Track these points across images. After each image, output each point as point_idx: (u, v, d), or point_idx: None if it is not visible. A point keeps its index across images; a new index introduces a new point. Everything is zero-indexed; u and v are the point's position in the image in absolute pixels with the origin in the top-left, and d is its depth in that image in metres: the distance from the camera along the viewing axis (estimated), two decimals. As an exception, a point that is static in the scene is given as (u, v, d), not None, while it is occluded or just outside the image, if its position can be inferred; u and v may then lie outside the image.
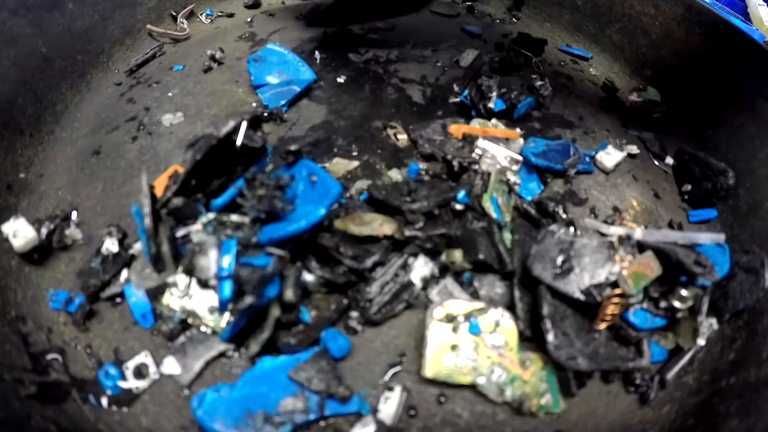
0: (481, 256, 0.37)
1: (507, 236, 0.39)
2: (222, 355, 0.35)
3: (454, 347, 0.34)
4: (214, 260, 0.34)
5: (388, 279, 0.36)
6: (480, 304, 0.35)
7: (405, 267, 0.37)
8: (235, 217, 0.36)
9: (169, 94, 0.52)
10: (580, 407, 0.35)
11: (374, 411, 0.34)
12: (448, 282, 0.37)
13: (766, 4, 0.79)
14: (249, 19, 0.64)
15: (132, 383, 0.34)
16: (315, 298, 0.36)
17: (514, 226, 0.40)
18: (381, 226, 0.37)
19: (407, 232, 0.37)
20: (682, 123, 0.53)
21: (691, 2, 0.55)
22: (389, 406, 0.34)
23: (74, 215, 0.42)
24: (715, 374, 0.37)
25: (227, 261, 0.33)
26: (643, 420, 0.36)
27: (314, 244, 0.36)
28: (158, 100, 0.52)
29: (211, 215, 0.36)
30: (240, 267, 0.33)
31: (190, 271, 0.35)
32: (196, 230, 0.36)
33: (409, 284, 0.37)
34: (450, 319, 0.35)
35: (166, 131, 0.48)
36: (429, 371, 0.34)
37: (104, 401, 0.34)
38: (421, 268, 0.37)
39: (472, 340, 0.34)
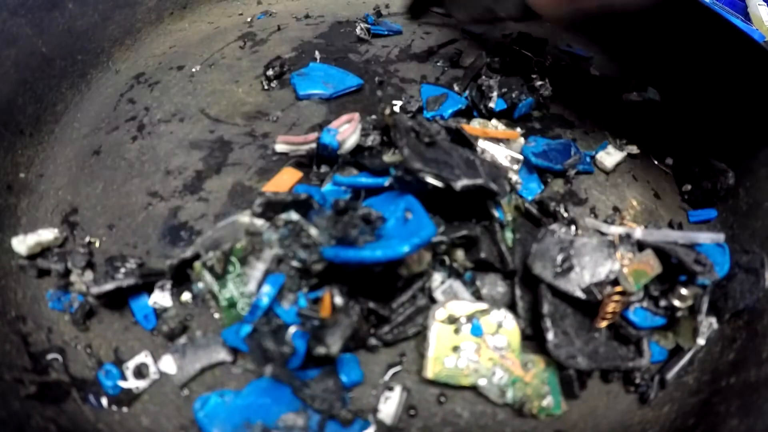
0: (482, 255, 0.37)
1: (508, 235, 0.39)
2: (219, 363, 0.35)
3: (455, 348, 0.34)
4: (257, 279, 0.33)
5: (405, 299, 0.36)
6: (483, 306, 0.35)
7: (423, 289, 0.36)
8: (313, 232, 0.34)
9: (169, 93, 0.52)
10: (580, 407, 0.35)
11: (374, 411, 0.34)
12: (453, 282, 0.37)
13: (766, 4, 0.79)
14: (249, 19, 0.64)
15: (132, 383, 0.34)
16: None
17: (516, 226, 0.40)
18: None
19: (432, 238, 0.35)
20: (682, 123, 0.53)
21: (691, 2, 0.54)
22: (389, 406, 0.34)
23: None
24: (715, 374, 0.37)
25: (266, 292, 0.33)
26: (643, 420, 0.36)
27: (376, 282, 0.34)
28: (158, 100, 0.52)
29: (294, 216, 0.35)
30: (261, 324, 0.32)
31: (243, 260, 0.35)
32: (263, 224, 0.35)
33: (425, 307, 0.36)
34: (452, 320, 0.35)
35: (166, 131, 0.48)
36: (430, 372, 0.33)
37: (104, 401, 0.34)
38: (438, 282, 0.37)
39: (474, 342, 0.34)
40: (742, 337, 0.38)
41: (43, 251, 0.39)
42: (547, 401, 0.34)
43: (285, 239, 0.34)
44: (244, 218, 0.35)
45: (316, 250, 0.33)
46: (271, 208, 0.36)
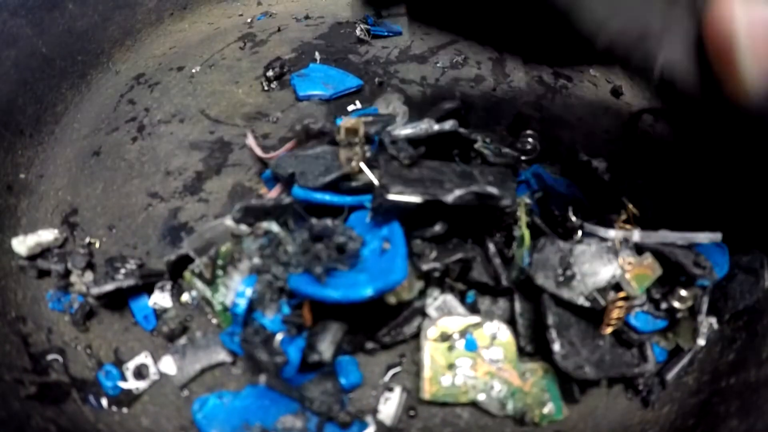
0: (474, 275, 0.36)
1: (520, 251, 0.37)
2: (219, 364, 0.35)
3: (451, 366, 0.33)
4: (234, 291, 0.33)
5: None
6: (475, 319, 0.35)
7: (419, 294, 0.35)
8: (290, 248, 0.33)
9: (169, 94, 0.52)
10: (580, 408, 0.35)
11: (374, 412, 0.34)
12: (448, 297, 0.36)
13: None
14: (249, 20, 0.64)
15: (132, 384, 0.34)
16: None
17: (522, 239, 0.39)
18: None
19: (424, 266, 0.34)
20: (681, 121, 0.53)
21: (691, 3, 0.54)
22: (389, 407, 0.34)
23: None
24: (715, 374, 0.37)
25: (241, 296, 0.32)
26: (643, 420, 0.36)
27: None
28: (158, 100, 0.52)
29: (274, 227, 0.34)
30: (248, 331, 0.32)
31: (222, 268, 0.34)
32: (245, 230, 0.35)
33: (422, 309, 0.35)
34: (445, 337, 0.34)
35: (166, 132, 0.48)
36: (427, 393, 0.33)
37: (104, 402, 0.34)
38: (431, 298, 0.36)
39: (469, 357, 0.34)
40: (742, 337, 0.38)
41: (43, 252, 0.39)
42: (548, 408, 0.34)
43: (264, 249, 0.34)
44: (229, 221, 0.35)
45: (289, 269, 0.32)
46: (251, 214, 0.35)
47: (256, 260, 0.34)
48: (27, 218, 0.43)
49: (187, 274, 0.35)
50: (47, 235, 0.39)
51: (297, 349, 0.31)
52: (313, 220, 0.34)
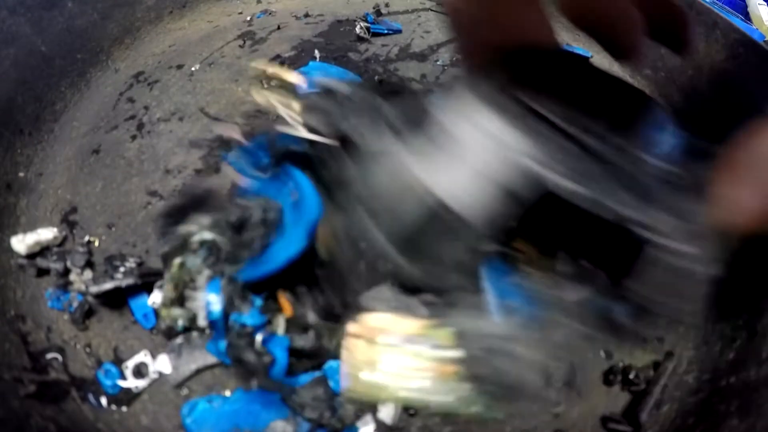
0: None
1: None
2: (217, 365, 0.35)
3: (372, 363, 0.30)
4: (203, 309, 0.33)
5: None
6: (408, 320, 0.30)
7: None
8: (226, 248, 0.33)
9: (169, 92, 0.52)
10: (580, 406, 0.35)
11: (374, 411, 0.33)
12: (385, 287, 0.31)
13: (766, 3, 0.79)
14: (248, 18, 0.64)
15: (131, 382, 0.34)
16: (316, 326, 0.33)
17: None
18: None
19: None
20: (680, 122, 0.53)
21: (692, 2, 0.54)
22: (389, 406, 0.33)
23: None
24: (716, 373, 0.37)
25: (212, 301, 0.32)
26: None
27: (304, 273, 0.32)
28: (157, 99, 0.52)
29: (207, 235, 0.33)
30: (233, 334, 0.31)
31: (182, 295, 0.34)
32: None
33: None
34: (367, 334, 0.31)
35: (165, 130, 0.48)
36: (349, 389, 0.30)
37: (103, 400, 0.34)
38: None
39: (393, 352, 0.30)
40: (742, 337, 0.38)
41: (42, 250, 0.39)
42: (479, 407, 0.31)
43: (207, 259, 0.33)
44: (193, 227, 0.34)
45: (235, 265, 0.32)
46: (172, 218, 0.34)
47: (207, 272, 0.33)
48: (26, 217, 0.43)
49: (162, 310, 0.34)
50: (46, 234, 0.39)
51: (282, 348, 0.31)
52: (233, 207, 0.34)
